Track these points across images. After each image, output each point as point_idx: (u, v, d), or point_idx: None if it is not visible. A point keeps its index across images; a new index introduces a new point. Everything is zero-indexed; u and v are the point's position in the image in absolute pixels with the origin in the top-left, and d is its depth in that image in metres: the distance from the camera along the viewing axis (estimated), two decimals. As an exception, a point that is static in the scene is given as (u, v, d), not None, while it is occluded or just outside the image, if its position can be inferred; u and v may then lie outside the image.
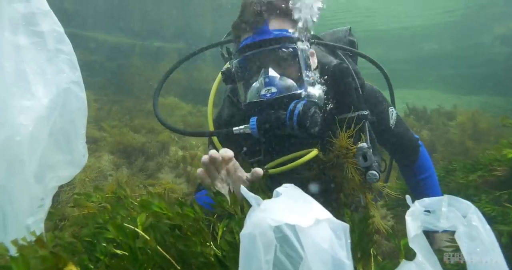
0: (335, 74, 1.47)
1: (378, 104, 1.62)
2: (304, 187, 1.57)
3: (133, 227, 0.96)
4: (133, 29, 13.28)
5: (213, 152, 1.08)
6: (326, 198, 1.51)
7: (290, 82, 1.33)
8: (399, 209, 2.54)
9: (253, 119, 1.31)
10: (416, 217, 0.91)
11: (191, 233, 1.04)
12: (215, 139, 1.53)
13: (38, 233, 1.16)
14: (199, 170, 1.11)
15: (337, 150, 1.44)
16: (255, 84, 1.34)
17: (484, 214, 1.68)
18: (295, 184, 1.59)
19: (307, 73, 1.38)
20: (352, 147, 1.41)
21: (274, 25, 1.34)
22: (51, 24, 1.24)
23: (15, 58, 1.14)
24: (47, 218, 1.23)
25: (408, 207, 0.90)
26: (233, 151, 1.51)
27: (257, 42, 1.31)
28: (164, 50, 12.15)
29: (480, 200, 1.90)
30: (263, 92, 1.30)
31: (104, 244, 0.94)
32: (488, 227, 0.80)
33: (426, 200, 0.92)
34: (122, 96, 7.86)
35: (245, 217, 1.16)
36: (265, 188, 1.30)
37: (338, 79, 1.47)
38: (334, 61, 1.52)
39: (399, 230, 2.56)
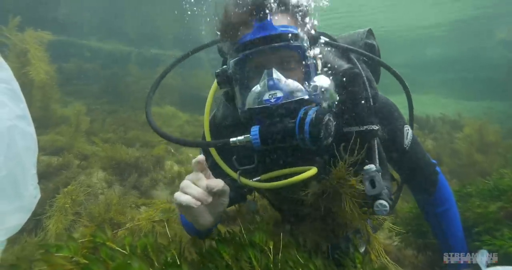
0: (344, 80, 1.28)
1: (393, 120, 1.42)
2: (298, 208, 1.38)
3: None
4: (129, 36, 13.10)
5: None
6: (323, 224, 1.35)
7: (297, 85, 1.14)
8: (409, 234, 2.36)
9: (255, 130, 1.11)
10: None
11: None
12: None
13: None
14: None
15: (334, 180, 1.24)
16: (256, 88, 1.15)
17: (509, 255, 1.44)
18: (290, 203, 1.41)
19: (315, 76, 1.19)
20: (351, 178, 1.21)
21: (279, 21, 1.16)
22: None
23: None
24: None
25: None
26: (226, 155, 1.34)
27: (260, 38, 1.11)
28: (161, 58, 11.96)
29: (503, 236, 1.72)
30: (266, 97, 1.11)
31: None
32: None
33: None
34: (117, 106, 7.68)
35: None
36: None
37: (346, 86, 1.28)
38: (345, 65, 1.32)
39: (407, 256, 2.39)
